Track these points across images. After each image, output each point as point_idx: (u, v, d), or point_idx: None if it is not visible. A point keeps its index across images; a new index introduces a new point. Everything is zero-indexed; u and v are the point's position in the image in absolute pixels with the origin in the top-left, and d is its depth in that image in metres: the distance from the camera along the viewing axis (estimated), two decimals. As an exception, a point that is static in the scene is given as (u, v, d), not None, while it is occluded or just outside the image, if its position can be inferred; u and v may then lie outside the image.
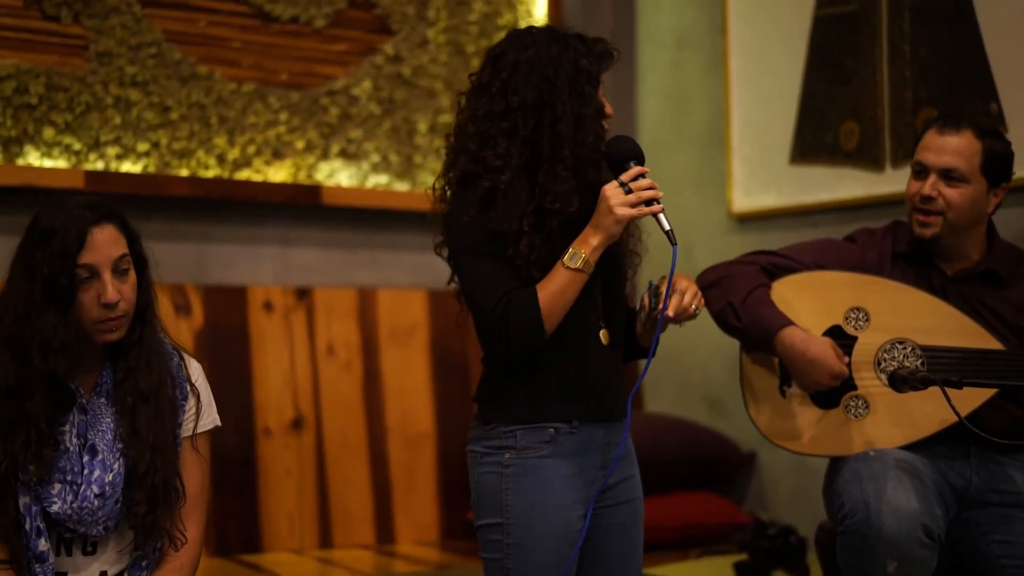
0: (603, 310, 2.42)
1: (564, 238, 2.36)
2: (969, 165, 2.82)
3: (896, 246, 2.94)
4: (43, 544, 2.31)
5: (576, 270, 2.32)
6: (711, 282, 2.91)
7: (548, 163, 2.35)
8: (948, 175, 2.82)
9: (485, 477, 2.44)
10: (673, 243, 2.32)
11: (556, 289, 2.32)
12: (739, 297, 2.81)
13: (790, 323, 2.75)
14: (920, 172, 2.86)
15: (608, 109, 2.41)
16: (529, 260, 2.34)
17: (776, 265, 2.91)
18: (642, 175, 2.33)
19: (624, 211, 2.30)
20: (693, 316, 2.40)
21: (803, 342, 2.71)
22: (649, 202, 2.31)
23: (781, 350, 2.74)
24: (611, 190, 2.31)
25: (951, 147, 2.82)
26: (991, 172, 2.85)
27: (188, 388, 2.46)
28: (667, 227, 2.32)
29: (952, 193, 2.81)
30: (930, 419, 2.75)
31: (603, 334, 2.40)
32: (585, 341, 2.41)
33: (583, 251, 2.32)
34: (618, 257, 2.47)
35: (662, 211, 2.31)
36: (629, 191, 2.30)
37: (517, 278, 2.35)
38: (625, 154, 2.36)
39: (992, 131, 2.88)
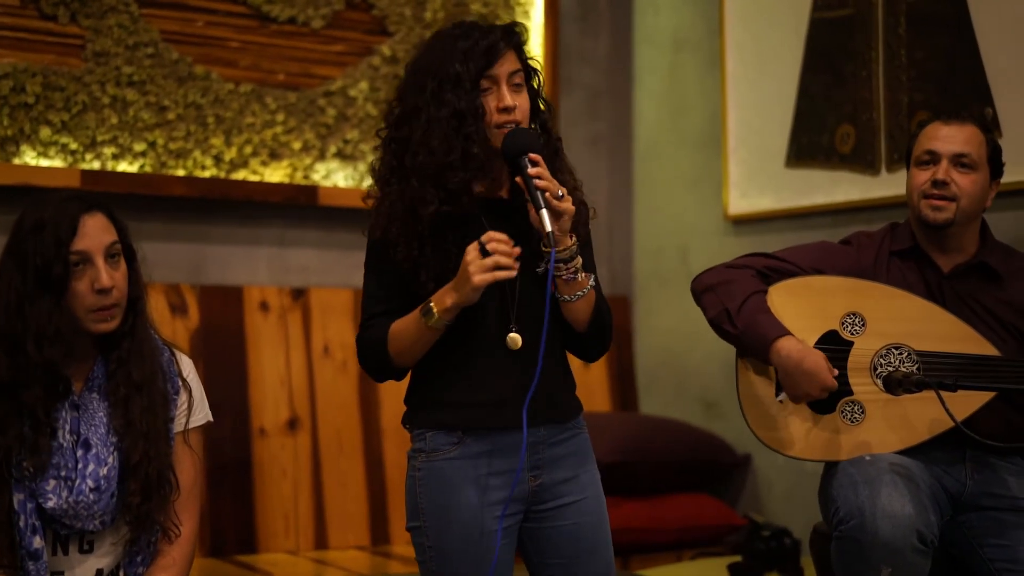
0: (518, 313, 2.37)
1: (450, 240, 2.36)
2: (979, 153, 2.87)
3: (892, 245, 2.95)
4: (37, 542, 2.31)
5: (426, 325, 2.32)
6: (708, 286, 2.90)
7: (408, 170, 2.36)
8: (960, 161, 2.85)
9: (407, 481, 2.45)
10: (550, 248, 2.28)
11: (406, 334, 2.35)
12: (735, 303, 2.81)
13: (787, 332, 2.75)
14: (928, 161, 2.88)
15: (499, 103, 2.36)
16: (416, 265, 2.36)
17: (772, 268, 2.91)
18: (537, 184, 2.29)
19: (480, 279, 2.26)
20: (564, 205, 2.31)
21: (799, 353, 2.71)
22: (509, 267, 2.28)
23: (776, 360, 2.74)
24: (471, 254, 2.28)
25: (962, 135, 2.87)
26: (993, 164, 2.91)
27: (180, 383, 2.47)
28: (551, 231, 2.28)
29: (964, 180, 2.85)
30: (925, 424, 2.76)
31: (512, 338, 2.35)
32: (492, 346, 2.38)
33: (436, 309, 2.30)
34: (537, 257, 2.39)
35: (513, 275, 2.27)
36: (487, 253, 2.27)
37: (399, 294, 2.38)
38: (516, 150, 2.33)
39: (989, 127, 2.95)
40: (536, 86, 2.46)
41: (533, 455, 2.42)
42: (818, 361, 2.70)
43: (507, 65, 2.37)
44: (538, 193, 2.28)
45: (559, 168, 2.45)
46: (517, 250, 2.29)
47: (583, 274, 2.38)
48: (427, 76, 2.36)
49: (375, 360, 2.42)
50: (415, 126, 2.36)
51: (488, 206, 2.38)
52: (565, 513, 2.45)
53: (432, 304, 2.31)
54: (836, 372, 2.73)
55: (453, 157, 2.32)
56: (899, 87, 4.08)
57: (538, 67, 2.47)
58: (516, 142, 2.33)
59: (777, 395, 2.81)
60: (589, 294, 2.41)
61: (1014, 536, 2.73)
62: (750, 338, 2.78)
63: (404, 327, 2.36)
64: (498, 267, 2.26)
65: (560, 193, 2.30)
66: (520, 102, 2.38)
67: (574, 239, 2.36)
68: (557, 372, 2.48)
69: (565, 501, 2.45)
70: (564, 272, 2.36)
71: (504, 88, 2.36)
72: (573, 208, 2.32)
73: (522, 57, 2.42)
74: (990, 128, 2.95)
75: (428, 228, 2.34)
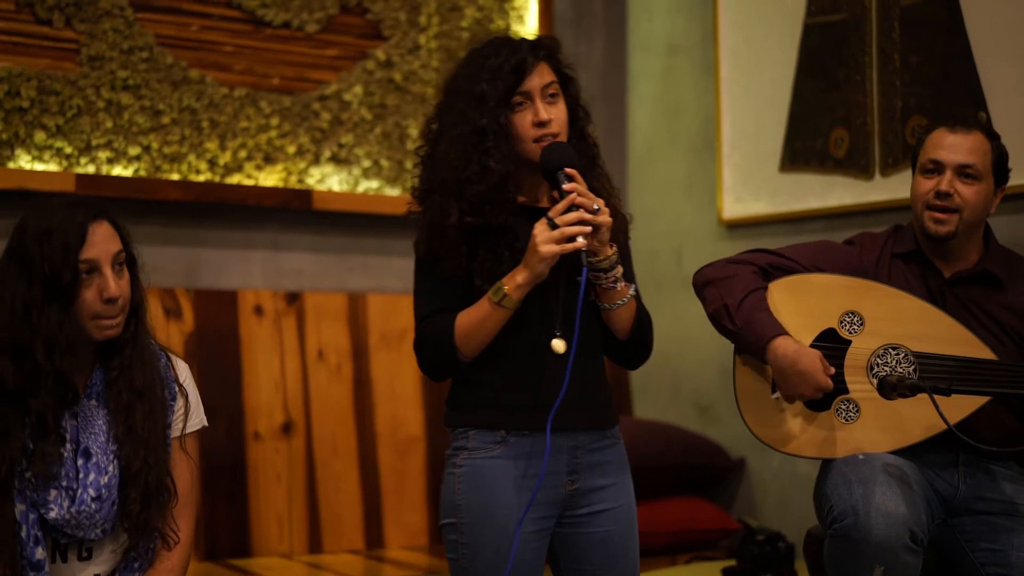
0: (563, 319, 2.40)
1: (501, 245, 2.41)
2: (983, 163, 2.86)
3: (895, 247, 2.95)
4: (40, 552, 2.30)
5: (495, 304, 2.37)
6: (709, 280, 2.91)
7: (435, 185, 2.43)
8: (964, 172, 2.84)
9: (446, 478, 2.49)
10: (583, 264, 2.33)
11: (475, 319, 2.39)
12: (735, 300, 2.82)
13: (783, 332, 2.75)
14: (932, 170, 2.87)
15: (535, 118, 2.41)
16: (468, 272, 2.41)
17: (774, 265, 2.92)
18: (573, 203, 2.34)
19: (547, 249, 2.32)
20: (601, 219, 2.37)
21: (795, 353, 2.72)
22: (574, 237, 2.33)
23: (772, 359, 2.75)
24: (539, 228, 2.34)
25: (967, 145, 2.85)
26: (998, 172, 2.90)
27: (176, 389, 2.47)
28: (583, 249, 2.34)
29: (968, 191, 2.84)
30: (919, 425, 2.76)
31: (557, 343, 2.38)
32: (537, 350, 2.42)
33: (507, 287, 2.36)
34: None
35: (585, 246, 2.33)
36: (556, 226, 2.33)
37: (455, 294, 2.43)
38: (554, 165, 2.38)
39: (995, 133, 2.93)
40: (573, 93, 2.52)
41: (572, 459, 2.46)
42: (813, 362, 2.71)
43: (539, 78, 2.43)
44: (573, 209, 2.34)
45: (595, 176, 2.51)
46: (585, 228, 2.32)
47: (623, 283, 2.45)
48: (456, 96, 2.44)
49: (439, 353, 2.43)
50: (442, 143, 2.43)
51: (531, 214, 2.42)
52: (599, 520, 2.49)
53: (503, 283, 2.36)
54: (833, 371, 2.73)
55: (471, 171, 2.38)
56: (893, 91, 4.09)
57: (574, 75, 2.52)
58: (552, 157, 2.38)
59: (773, 389, 2.82)
60: (630, 302, 2.47)
61: (1006, 540, 2.73)
62: (747, 336, 2.78)
63: (472, 314, 2.40)
64: (565, 238, 2.32)
65: (596, 207, 2.34)
66: (556, 114, 2.43)
67: (614, 248, 2.42)
68: (598, 379, 2.53)
69: (599, 508, 2.49)
70: (604, 281, 2.42)
71: (538, 102, 2.42)
72: (610, 220, 2.38)
73: (556, 67, 2.47)
74: (996, 135, 2.93)
75: (461, 238, 2.39)
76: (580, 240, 2.31)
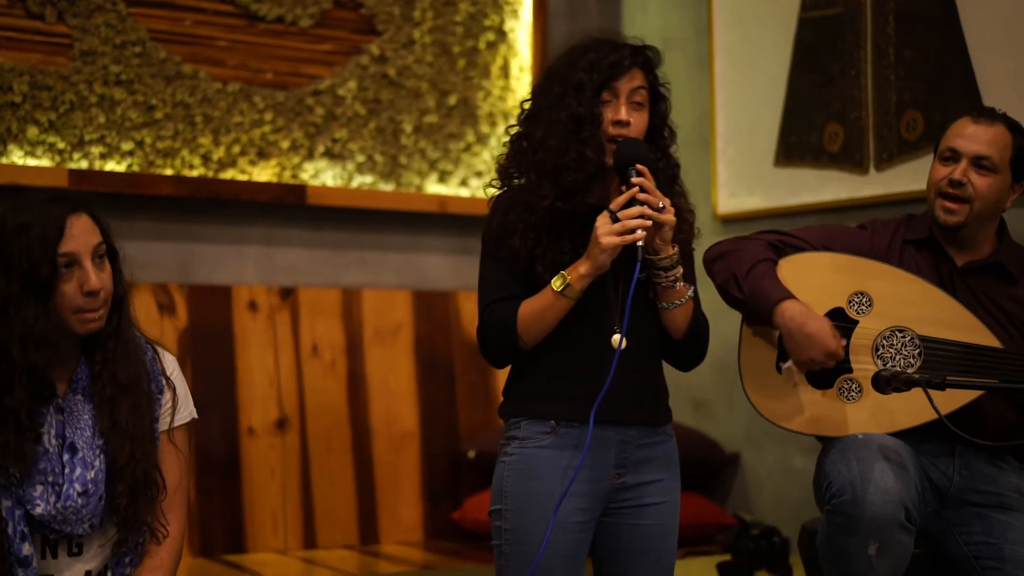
0: (620, 315, 2.44)
1: (564, 236, 2.46)
2: (1001, 156, 2.84)
3: (908, 234, 2.95)
4: (27, 548, 2.29)
5: (558, 293, 2.41)
6: (718, 255, 2.92)
7: (528, 166, 2.49)
8: (980, 163, 2.83)
9: (497, 467, 2.54)
10: (638, 260, 2.37)
11: (537, 308, 2.44)
12: (743, 269, 2.83)
13: (791, 296, 2.76)
14: (949, 158, 2.87)
15: (614, 116, 2.46)
16: (532, 255, 2.46)
17: (784, 243, 2.92)
18: (637, 195, 2.38)
19: (608, 240, 2.37)
20: (665, 216, 2.41)
21: (802, 315, 2.72)
22: (635, 230, 2.37)
23: (780, 322, 2.75)
24: (601, 220, 2.39)
25: (986, 136, 2.84)
26: (1017, 167, 2.88)
27: (163, 382, 2.46)
28: (639, 246, 2.38)
29: (982, 182, 2.83)
30: (921, 409, 2.74)
31: (617, 339, 2.43)
32: (595, 345, 2.46)
33: (569, 277, 2.41)
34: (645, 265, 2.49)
35: (643, 239, 2.38)
36: (617, 219, 2.38)
37: (519, 282, 2.47)
38: (625, 160, 2.43)
39: (1021, 128, 2.91)
40: (662, 111, 2.56)
41: (620, 453, 2.50)
42: (822, 326, 2.71)
43: (630, 82, 2.47)
44: (637, 205, 2.38)
45: (674, 193, 2.55)
46: (646, 221, 2.36)
47: (682, 283, 2.49)
48: (554, 81, 2.49)
49: (502, 341, 2.47)
50: (538, 126, 2.48)
51: (598, 212, 2.45)
52: (643, 513, 2.54)
53: (565, 272, 2.41)
54: (844, 341, 2.73)
55: (569, 158, 2.44)
56: (888, 86, 4.09)
57: (666, 94, 2.56)
58: (627, 152, 2.43)
59: (777, 364, 2.81)
60: (687, 303, 2.51)
61: (1000, 534, 2.73)
62: (755, 302, 2.78)
63: (535, 303, 2.45)
64: (626, 231, 2.36)
65: (661, 205, 2.39)
66: (636, 120, 2.48)
67: (675, 248, 2.46)
68: (653, 376, 2.58)
69: (645, 502, 2.54)
70: (664, 280, 2.47)
71: (622, 102, 2.46)
72: (674, 220, 2.42)
73: (650, 79, 2.52)
74: (1021, 130, 2.90)
75: (543, 221, 2.45)
76: (639, 232, 2.36)
